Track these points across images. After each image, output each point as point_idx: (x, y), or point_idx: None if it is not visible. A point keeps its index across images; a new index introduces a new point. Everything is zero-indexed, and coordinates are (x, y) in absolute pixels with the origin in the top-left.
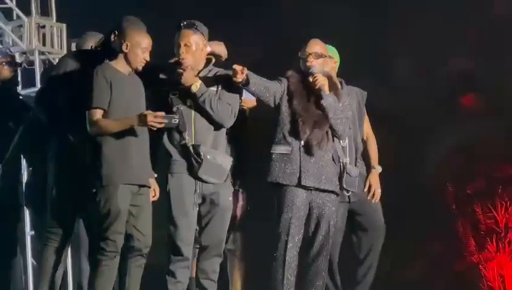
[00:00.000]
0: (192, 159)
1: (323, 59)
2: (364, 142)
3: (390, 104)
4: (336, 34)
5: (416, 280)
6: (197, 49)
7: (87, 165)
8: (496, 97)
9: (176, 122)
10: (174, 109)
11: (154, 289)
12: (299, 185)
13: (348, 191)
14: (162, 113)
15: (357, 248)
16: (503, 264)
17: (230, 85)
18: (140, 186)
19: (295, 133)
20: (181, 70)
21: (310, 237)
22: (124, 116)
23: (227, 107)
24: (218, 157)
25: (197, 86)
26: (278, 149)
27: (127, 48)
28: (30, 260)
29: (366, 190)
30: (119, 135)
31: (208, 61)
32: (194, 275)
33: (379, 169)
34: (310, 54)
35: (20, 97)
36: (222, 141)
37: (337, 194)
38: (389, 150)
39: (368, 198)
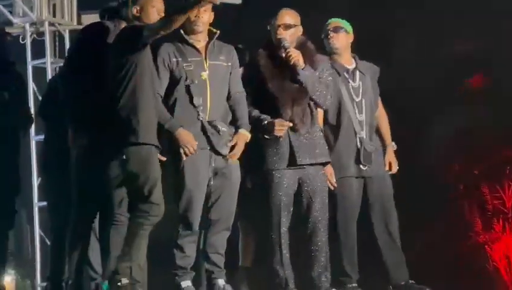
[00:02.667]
0: (209, 133)
1: (294, 29)
2: (376, 120)
3: (392, 85)
4: (340, 15)
5: (421, 259)
6: (209, 18)
7: (117, 122)
8: (504, 77)
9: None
10: None
11: (159, 263)
12: (294, 165)
13: (364, 165)
14: None
15: (375, 220)
16: (510, 245)
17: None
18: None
19: (277, 115)
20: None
21: (304, 213)
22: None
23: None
24: (229, 130)
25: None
26: (266, 135)
27: (137, 12)
28: (38, 231)
29: (387, 168)
30: (143, 95)
31: (212, 34)
32: None
33: (394, 146)
34: (279, 25)
35: None
36: (229, 115)
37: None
38: (395, 131)
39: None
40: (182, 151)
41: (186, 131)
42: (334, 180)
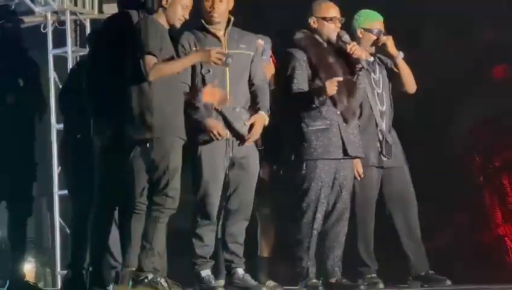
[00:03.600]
0: (227, 114)
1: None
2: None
3: (417, 75)
4: (364, 5)
5: (442, 250)
6: (227, 6)
7: (133, 116)
8: None
9: (229, 62)
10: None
11: (179, 252)
12: (346, 156)
13: (385, 157)
14: (223, 50)
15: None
16: None
17: None
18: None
19: (330, 105)
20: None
21: (331, 206)
22: (182, 57)
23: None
24: (248, 112)
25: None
26: (316, 124)
27: (167, 3)
28: (58, 219)
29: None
30: (167, 85)
31: (228, 20)
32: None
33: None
34: (332, 18)
35: None
36: (249, 101)
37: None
38: (415, 120)
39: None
40: (211, 135)
41: (214, 120)
42: (362, 171)
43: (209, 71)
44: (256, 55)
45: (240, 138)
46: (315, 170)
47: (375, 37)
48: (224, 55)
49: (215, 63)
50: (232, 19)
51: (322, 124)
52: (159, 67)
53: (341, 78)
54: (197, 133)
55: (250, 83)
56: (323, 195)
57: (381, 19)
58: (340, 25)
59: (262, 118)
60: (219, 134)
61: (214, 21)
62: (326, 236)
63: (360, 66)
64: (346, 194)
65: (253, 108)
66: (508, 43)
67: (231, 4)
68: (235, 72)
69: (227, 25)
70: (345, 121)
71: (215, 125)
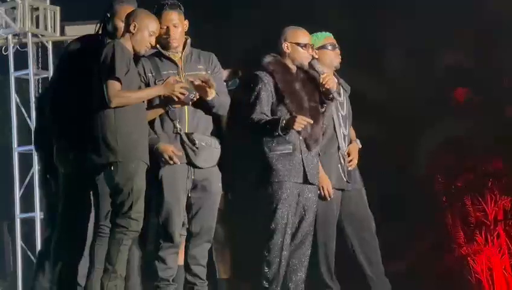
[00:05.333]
0: (187, 147)
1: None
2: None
3: (381, 95)
4: (329, 26)
5: (404, 271)
6: (182, 30)
7: (97, 141)
8: (486, 91)
9: (193, 98)
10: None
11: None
12: (306, 182)
13: (346, 179)
14: (186, 85)
15: (352, 233)
16: (492, 257)
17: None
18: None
19: (294, 131)
20: None
21: (295, 228)
22: (147, 88)
23: (227, 99)
24: (211, 142)
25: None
26: (279, 149)
27: (134, 29)
28: (19, 243)
29: (348, 161)
30: (133, 110)
31: (185, 42)
32: (181, 262)
33: (359, 144)
34: (305, 45)
35: None
36: (211, 126)
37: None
38: (380, 142)
39: (347, 166)
40: (165, 158)
41: (165, 144)
42: (332, 190)
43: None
44: (213, 71)
45: (195, 167)
46: (281, 191)
47: (331, 52)
48: (187, 90)
49: (178, 97)
50: (189, 40)
51: (284, 148)
52: (123, 94)
53: (311, 121)
54: (157, 157)
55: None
56: (290, 216)
57: (330, 34)
58: (312, 52)
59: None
60: (170, 158)
61: (172, 46)
62: (290, 258)
63: (331, 96)
64: (310, 217)
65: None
66: (468, 67)
67: (186, 27)
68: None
69: (184, 47)
70: (308, 147)
71: (166, 149)
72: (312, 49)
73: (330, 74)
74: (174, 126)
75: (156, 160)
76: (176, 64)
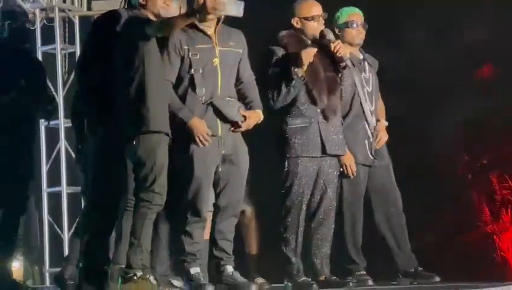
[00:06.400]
0: (219, 105)
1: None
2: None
3: (404, 71)
4: (346, 4)
5: (429, 249)
6: None
7: (124, 111)
8: (508, 69)
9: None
10: None
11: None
12: (324, 154)
13: (373, 156)
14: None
15: (379, 209)
16: None
17: None
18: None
19: (310, 103)
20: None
21: (316, 203)
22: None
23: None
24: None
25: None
26: (295, 123)
27: (143, 0)
28: (46, 217)
29: (376, 140)
30: (158, 81)
31: (218, 18)
32: (206, 237)
33: (385, 123)
34: (317, 16)
35: None
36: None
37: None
38: (403, 119)
39: (375, 144)
40: (197, 140)
41: (199, 120)
42: (355, 168)
43: (198, 71)
44: (244, 52)
45: (233, 124)
46: (297, 167)
47: (353, 30)
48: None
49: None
50: (223, 16)
51: (301, 122)
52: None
53: (315, 49)
54: (187, 132)
55: (239, 81)
56: (306, 193)
57: (355, 10)
58: (323, 22)
59: (258, 116)
60: (201, 141)
61: (208, 17)
62: (313, 234)
63: (344, 64)
64: (332, 192)
65: (246, 104)
66: (492, 43)
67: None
68: (225, 70)
69: (217, 23)
70: (325, 118)
71: (200, 126)
72: (323, 19)
73: (341, 42)
74: (203, 100)
75: (188, 134)
76: (209, 37)
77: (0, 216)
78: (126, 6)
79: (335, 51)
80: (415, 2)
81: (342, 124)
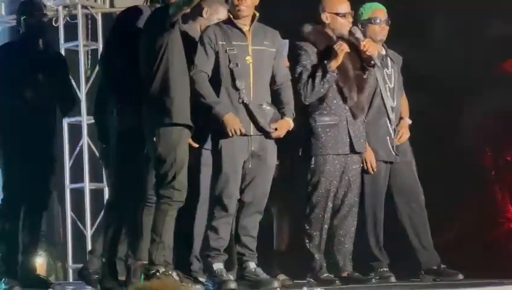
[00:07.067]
0: (253, 111)
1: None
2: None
3: (428, 66)
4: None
5: (451, 245)
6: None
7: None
8: None
9: None
10: None
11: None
12: (352, 151)
13: (395, 152)
14: None
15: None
16: None
17: None
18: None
19: (339, 101)
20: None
21: (340, 200)
22: None
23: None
24: (273, 108)
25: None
26: (323, 120)
27: None
28: (69, 213)
29: (398, 137)
30: (184, 73)
31: (253, 16)
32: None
33: (408, 121)
34: (345, 14)
35: None
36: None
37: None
38: (426, 114)
39: (396, 141)
40: (229, 133)
41: (234, 116)
42: (375, 165)
43: (237, 65)
44: (278, 51)
45: (264, 132)
46: (324, 165)
47: (376, 27)
48: None
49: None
50: (257, 14)
51: (330, 119)
52: None
53: (346, 45)
54: (218, 127)
55: (273, 80)
56: (332, 190)
57: (380, 6)
58: (351, 20)
59: (288, 125)
60: (237, 132)
61: (242, 15)
62: (336, 230)
63: (373, 62)
64: (356, 188)
65: (278, 108)
66: None
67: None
68: (258, 69)
69: (252, 21)
70: (354, 116)
71: (234, 122)
72: (351, 17)
73: (370, 41)
74: (240, 96)
75: (218, 129)
76: (244, 35)
77: (24, 212)
78: (149, 3)
79: (364, 49)
80: None
81: (364, 120)
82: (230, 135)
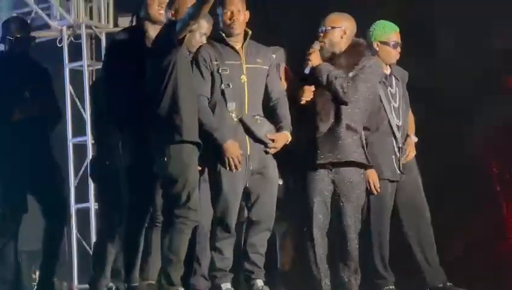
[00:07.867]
0: (248, 124)
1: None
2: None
3: (433, 79)
4: (381, 6)
5: (457, 261)
6: (244, 18)
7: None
8: None
9: None
10: None
11: None
12: (320, 166)
13: (401, 172)
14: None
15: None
16: None
17: None
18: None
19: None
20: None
21: (337, 216)
22: None
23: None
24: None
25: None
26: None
27: (172, 16)
28: (75, 233)
29: (404, 156)
30: (191, 92)
31: (245, 33)
32: None
33: (414, 138)
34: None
35: None
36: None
37: (363, 166)
38: (431, 127)
39: (401, 160)
40: (227, 161)
41: (234, 143)
42: (378, 185)
43: (229, 86)
44: (271, 68)
45: (261, 143)
46: (306, 178)
47: (392, 50)
48: None
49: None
50: (250, 32)
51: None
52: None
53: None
54: (216, 149)
55: (269, 97)
56: (317, 204)
57: (397, 29)
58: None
59: (286, 137)
60: (236, 164)
61: (234, 33)
62: (339, 248)
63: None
64: (352, 207)
65: (275, 123)
66: None
67: (247, 16)
68: (252, 86)
69: (245, 38)
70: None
71: (234, 149)
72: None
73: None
74: (232, 117)
75: (215, 152)
76: (238, 53)
77: (44, 229)
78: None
79: (307, 57)
80: (447, 10)
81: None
82: (227, 163)
